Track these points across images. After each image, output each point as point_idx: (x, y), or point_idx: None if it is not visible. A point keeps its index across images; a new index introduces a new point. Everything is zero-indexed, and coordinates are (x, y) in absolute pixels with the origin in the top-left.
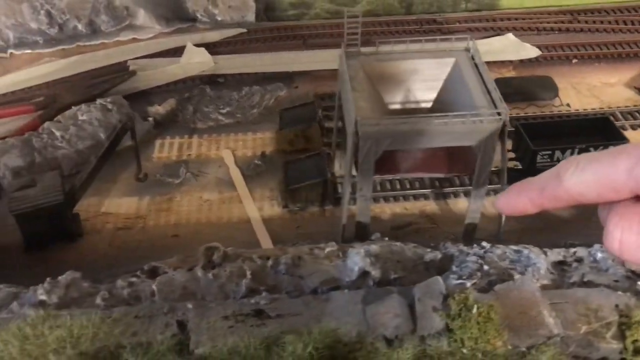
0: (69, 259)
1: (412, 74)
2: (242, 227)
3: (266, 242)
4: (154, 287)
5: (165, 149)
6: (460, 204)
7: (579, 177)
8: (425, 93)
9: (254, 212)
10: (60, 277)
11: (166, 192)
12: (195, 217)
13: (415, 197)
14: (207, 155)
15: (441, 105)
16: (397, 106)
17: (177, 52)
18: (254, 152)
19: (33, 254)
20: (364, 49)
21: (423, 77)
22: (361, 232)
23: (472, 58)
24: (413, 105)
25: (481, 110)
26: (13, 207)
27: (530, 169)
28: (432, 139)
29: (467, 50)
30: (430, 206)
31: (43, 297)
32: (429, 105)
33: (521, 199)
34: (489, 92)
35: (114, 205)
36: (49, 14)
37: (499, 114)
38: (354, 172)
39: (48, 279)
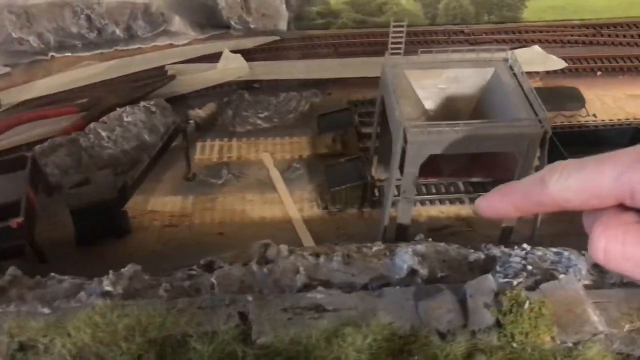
0: (118, 254)
1: (452, 82)
2: (283, 226)
3: (308, 241)
4: (212, 280)
5: (207, 151)
6: None
7: (564, 183)
8: (464, 100)
9: (294, 213)
10: (123, 270)
11: (209, 192)
12: (238, 216)
13: (451, 201)
14: (246, 158)
15: (480, 112)
16: (438, 113)
17: (212, 58)
18: (292, 155)
19: (84, 248)
20: (406, 57)
21: (463, 85)
22: (401, 234)
23: (511, 68)
24: (453, 112)
25: (523, 118)
26: (70, 202)
27: None
28: (475, 144)
29: (506, 60)
30: (466, 210)
31: (109, 288)
32: (468, 112)
33: (504, 202)
34: (528, 101)
35: (160, 203)
36: (88, 19)
37: (540, 121)
38: (398, 176)
39: (111, 271)
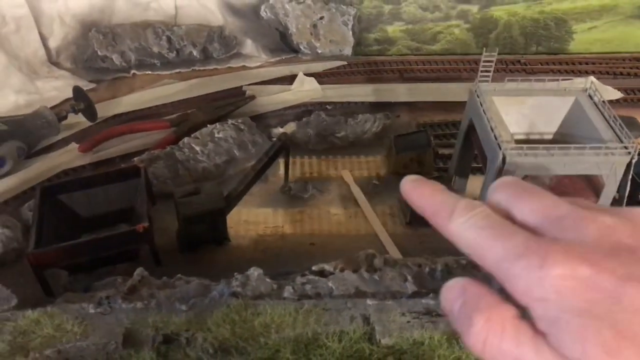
0: (219, 260)
1: (535, 109)
2: (369, 239)
3: (395, 253)
4: (330, 284)
5: (289, 167)
6: None
7: (464, 232)
8: (547, 126)
9: (378, 226)
10: (248, 272)
11: (297, 205)
12: (326, 228)
13: None
14: (327, 174)
15: (562, 137)
16: (522, 137)
17: (284, 80)
18: (369, 172)
19: (186, 254)
20: (493, 84)
21: (545, 111)
22: None
23: (590, 97)
24: (536, 137)
25: (611, 144)
26: (181, 211)
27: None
28: (566, 167)
29: (585, 90)
30: None
31: (238, 289)
32: (550, 137)
33: (422, 201)
34: (612, 128)
35: (252, 214)
36: (169, 40)
37: (626, 147)
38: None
39: (235, 273)
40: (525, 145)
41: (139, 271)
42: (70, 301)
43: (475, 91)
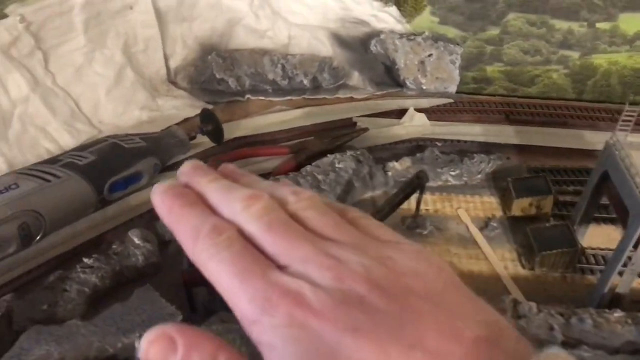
0: None
1: None
2: (492, 282)
3: (521, 299)
4: None
5: (405, 203)
6: None
7: (206, 262)
8: None
9: (501, 270)
10: None
11: (418, 240)
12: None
13: None
14: (442, 212)
15: None
16: None
17: (391, 114)
18: (484, 213)
19: None
20: (631, 137)
21: None
22: (616, 302)
23: None
24: None
25: None
26: None
27: None
28: None
29: None
30: None
31: None
32: None
33: (169, 218)
34: None
35: None
36: (283, 68)
37: None
38: (629, 249)
39: None
40: None
41: None
42: (226, 320)
43: (614, 143)
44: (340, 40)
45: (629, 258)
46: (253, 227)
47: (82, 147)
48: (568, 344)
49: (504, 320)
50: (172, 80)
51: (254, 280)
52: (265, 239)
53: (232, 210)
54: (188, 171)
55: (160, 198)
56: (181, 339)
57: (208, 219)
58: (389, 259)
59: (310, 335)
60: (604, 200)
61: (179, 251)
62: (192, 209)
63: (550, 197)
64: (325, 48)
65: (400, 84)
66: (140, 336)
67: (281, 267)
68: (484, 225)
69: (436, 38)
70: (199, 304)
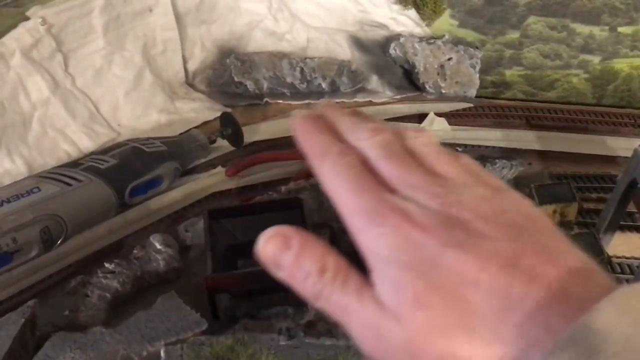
0: None
1: None
2: None
3: None
4: None
5: None
6: None
7: (329, 178)
8: None
9: None
10: None
11: None
12: None
13: None
14: None
15: None
16: None
17: (410, 118)
18: None
19: None
20: None
21: None
22: None
23: None
24: None
25: None
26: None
27: None
28: None
29: None
30: None
31: None
32: None
33: (302, 138)
34: None
35: None
36: (302, 71)
37: None
38: None
39: None
40: None
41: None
42: (249, 329)
43: None
44: (358, 43)
45: None
46: (373, 154)
47: (103, 151)
48: None
49: (594, 262)
50: (190, 83)
51: (368, 196)
52: (383, 165)
53: (358, 137)
54: (325, 106)
55: (300, 122)
56: (295, 239)
57: (337, 143)
58: (495, 198)
59: (413, 245)
60: (630, 208)
61: (201, 256)
62: (324, 134)
63: (575, 204)
64: (344, 51)
65: (420, 88)
66: (165, 344)
67: (393, 191)
68: None
69: (456, 42)
70: (222, 310)
